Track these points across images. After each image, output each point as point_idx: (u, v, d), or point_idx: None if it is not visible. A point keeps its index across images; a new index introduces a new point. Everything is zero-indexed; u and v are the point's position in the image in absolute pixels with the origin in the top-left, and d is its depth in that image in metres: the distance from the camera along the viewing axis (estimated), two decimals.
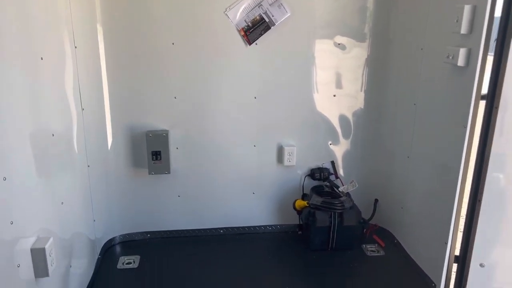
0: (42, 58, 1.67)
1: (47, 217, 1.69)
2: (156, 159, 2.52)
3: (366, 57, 2.60)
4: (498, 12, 1.80)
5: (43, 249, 1.51)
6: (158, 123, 2.54)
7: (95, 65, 2.34)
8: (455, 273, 2.15)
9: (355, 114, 2.71)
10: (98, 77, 2.37)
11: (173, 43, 2.41)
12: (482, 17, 1.79)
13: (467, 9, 1.85)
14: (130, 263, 2.47)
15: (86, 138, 2.22)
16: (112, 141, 2.51)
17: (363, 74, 2.64)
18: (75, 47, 2.08)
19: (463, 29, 1.88)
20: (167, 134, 2.51)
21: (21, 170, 1.49)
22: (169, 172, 2.56)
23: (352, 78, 2.64)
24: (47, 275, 1.54)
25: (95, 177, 2.35)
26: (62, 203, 1.85)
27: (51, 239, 1.58)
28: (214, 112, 2.58)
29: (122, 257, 2.53)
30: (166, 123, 2.55)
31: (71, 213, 1.99)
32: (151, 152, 2.50)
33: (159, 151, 2.51)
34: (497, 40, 1.81)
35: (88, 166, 2.28)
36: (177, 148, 2.59)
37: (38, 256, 1.51)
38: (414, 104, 2.40)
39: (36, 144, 1.59)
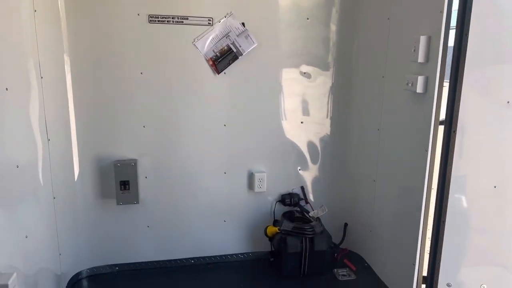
0: (7, 89, 1.65)
1: (11, 252, 1.63)
2: (125, 188, 2.48)
3: (330, 85, 2.70)
4: (451, 42, 1.93)
5: (6, 286, 1.45)
6: (126, 152, 2.52)
7: (62, 95, 2.31)
8: None
9: (322, 140, 2.78)
10: (64, 107, 2.34)
11: (141, 73, 2.42)
12: (437, 47, 1.91)
13: (422, 39, 1.97)
14: None
15: (52, 169, 2.17)
16: (79, 171, 2.46)
17: (328, 102, 2.73)
18: (41, 77, 2.06)
19: (420, 58, 2.00)
20: (135, 163, 2.49)
21: None
22: (137, 202, 2.53)
23: (318, 106, 2.72)
24: None
25: (61, 209, 2.28)
26: (27, 236, 1.79)
27: (14, 275, 1.51)
28: (183, 140, 2.58)
29: None
30: (135, 152, 2.52)
31: (36, 247, 1.92)
32: (119, 182, 2.47)
33: (128, 181, 2.48)
34: (451, 68, 1.93)
35: (54, 198, 2.22)
36: (146, 177, 2.56)
37: None
38: (378, 130, 2.49)
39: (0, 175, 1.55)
